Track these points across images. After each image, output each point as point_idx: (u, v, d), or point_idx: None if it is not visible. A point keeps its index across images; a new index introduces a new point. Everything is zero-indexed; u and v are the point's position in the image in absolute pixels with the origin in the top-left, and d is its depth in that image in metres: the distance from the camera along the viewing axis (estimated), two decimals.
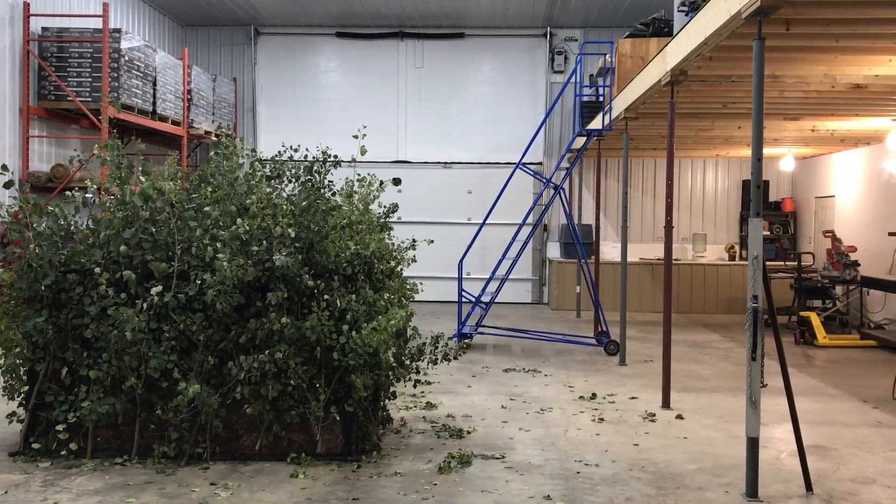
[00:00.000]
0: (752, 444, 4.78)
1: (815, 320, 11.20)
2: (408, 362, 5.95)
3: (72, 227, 5.76)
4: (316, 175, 6.04)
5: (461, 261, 10.81)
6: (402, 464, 5.45)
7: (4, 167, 6.27)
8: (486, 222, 11.29)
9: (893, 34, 5.96)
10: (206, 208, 5.73)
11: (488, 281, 10.78)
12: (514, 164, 11.13)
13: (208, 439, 5.42)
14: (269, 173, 6.27)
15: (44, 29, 10.75)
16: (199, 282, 5.33)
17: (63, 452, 5.36)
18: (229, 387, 5.37)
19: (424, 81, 16.02)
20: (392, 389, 6.14)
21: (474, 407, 7.16)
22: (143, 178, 5.78)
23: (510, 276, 11.45)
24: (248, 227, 5.49)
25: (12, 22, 10.27)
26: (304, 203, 5.73)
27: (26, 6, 10.46)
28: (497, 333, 10.89)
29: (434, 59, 16.01)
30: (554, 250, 15.75)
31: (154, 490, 4.83)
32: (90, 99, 10.59)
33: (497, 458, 5.61)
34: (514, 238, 10.78)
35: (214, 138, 12.67)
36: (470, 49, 16.00)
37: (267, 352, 5.30)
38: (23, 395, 5.58)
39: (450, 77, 16.04)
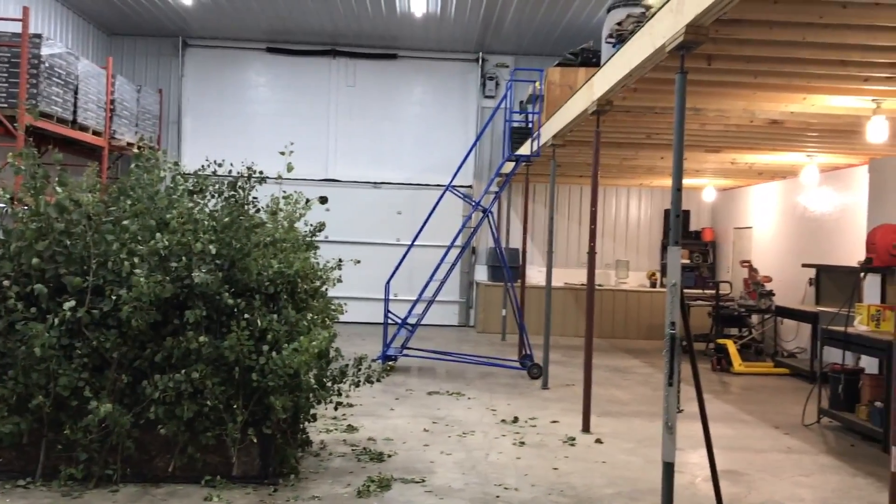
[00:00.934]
0: (668, 469, 4.86)
1: (732, 348, 11.53)
2: (329, 384, 5.88)
3: None
4: (240, 191, 5.94)
5: (388, 281, 10.77)
6: (320, 487, 5.35)
7: None
8: (415, 243, 11.29)
9: (807, 74, 6.23)
10: (125, 222, 5.57)
11: (415, 303, 10.76)
12: (445, 186, 11.17)
13: (119, 461, 5.22)
14: (191, 188, 6.12)
15: None
16: (114, 297, 5.17)
17: None
18: (143, 406, 5.20)
19: (356, 100, 16.00)
20: (312, 412, 6.03)
21: (396, 430, 7.10)
22: (59, 189, 5.58)
23: (437, 298, 11.46)
24: (167, 243, 5.35)
25: None
26: (226, 219, 5.62)
27: None
28: (422, 356, 10.86)
29: (366, 78, 16.00)
30: (481, 273, 15.84)
31: None
32: (6, 105, 10.19)
33: (417, 482, 5.56)
34: (442, 260, 10.81)
35: (137, 150, 12.37)
36: (403, 70, 16.06)
37: (183, 371, 5.15)
38: None
39: (382, 97, 16.05)
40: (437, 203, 10.99)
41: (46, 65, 10.49)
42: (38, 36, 10.40)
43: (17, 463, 5.23)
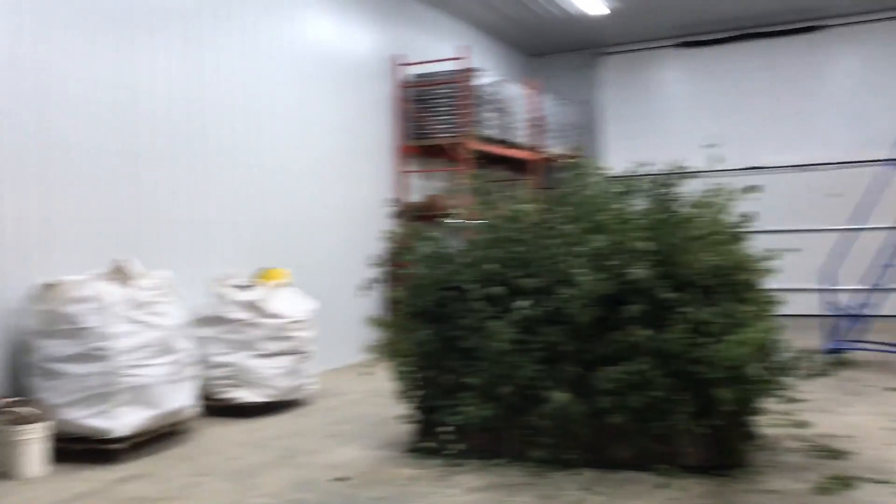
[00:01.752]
0: None
1: None
2: (774, 377, 5.70)
3: (447, 250, 6.44)
4: (667, 188, 6.07)
5: (830, 270, 10.01)
6: (774, 481, 5.22)
7: (392, 199, 7.18)
8: (858, 227, 10.33)
9: None
10: (564, 226, 6.04)
11: (866, 292, 9.84)
12: (887, 160, 10.06)
13: (578, 446, 5.67)
14: (620, 189, 6.43)
15: (413, 75, 12.09)
16: (561, 296, 5.63)
17: (449, 452, 5.95)
18: (595, 397, 5.58)
19: (773, 83, 15.12)
20: (759, 405, 5.90)
21: (852, 427, 6.60)
22: (505, 202, 6.28)
23: (890, 286, 10.33)
24: (604, 243, 5.69)
25: (388, 73, 11.70)
26: (657, 216, 5.80)
27: (398, 58, 11.85)
28: (878, 349, 9.87)
29: (784, 57, 15.05)
30: None
31: (531, 491, 5.19)
32: (452, 134, 11.66)
33: (885, 483, 5.13)
34: None
35: (566, 160, 13.21)
36: (826, 41, 14.79)
37: (628, 363, 5.42)
38: (414, 399, 6.31)
39: (802, 74, 14.96)
40: (883, 181, 9.92)
41: (482, 94, 11.78)
42: (474, 69, 11.72)
43: (493, 445, 5.96)
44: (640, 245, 5.59)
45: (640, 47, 16.11)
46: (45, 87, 6.75)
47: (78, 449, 6.08)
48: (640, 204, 6.29)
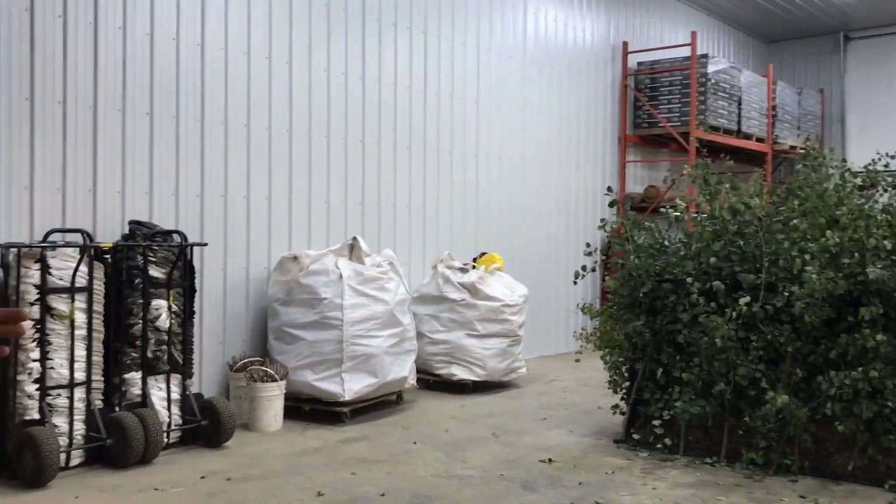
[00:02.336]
0: None
1: None
2: None
3: (665, 241, 6.31)
4: None
5: None
6: None
7: (609, 189, 7.16)
8: None
9: None
10: (794, 221, 5.72)
11: None
12: None
13: (796, 452, 5.37)
14: (860, 183, 5.98)
15: (638, 63, 11.87)
16: (786, 294, 5.34)
17: (658, 446, 5.86)
18: (818, 402, 5.26)
19: None
20: None
21: None
22: (731, 194, 6.04)
23: None
24: (838, 240, 5.33)
25: (613, 61, 11.58)
26: None
27: (625, 45, 11.67)
28: None
29: None
30: None
31: (742, 493, 4.99)
32: (679, 123, 11.33)
33: None
34: None
35: (801, 151, 12.41)
36: None
37: (860, 369, 5.05)
38: (624, 390, 6.27)
39: None
40: None
41: (712, 81, 11.33)
42: (705, 56, 11.29)
43: (704, 443, 5.80)
44: (878, 243, 5.17)
45: (891, 31, 14.68)
46: (291, 78, 7.39)
47: (307, 409, 6.65)
48: (882, 200, 5.83)
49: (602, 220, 6.63)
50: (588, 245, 6.70)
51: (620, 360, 6.27)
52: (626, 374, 6.26)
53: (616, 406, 6.34)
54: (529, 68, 10.14)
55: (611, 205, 6.71)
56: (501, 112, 9.72)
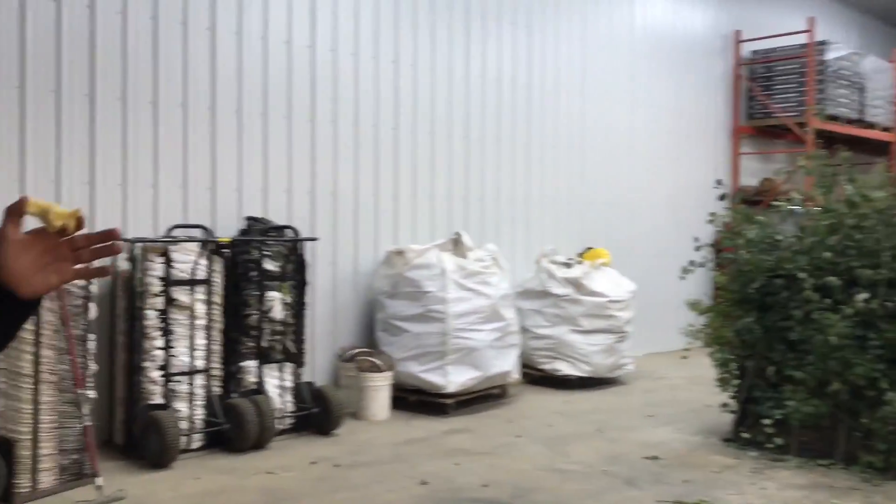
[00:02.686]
0: None
1: None
2: None
3: (778, 236, 6.10)
4: None
5: None
6: None
7: (719, 182, 6.98)
8: None
9: None
10: None
11: None
12: None
13: None
14: None
15: (752, 52, 11.47)
16: None
17: (769, 446, 5.68)
18: None
19: None
20: None
21: None
22: (849, 186, 5.79)
23: None
24: None
25: (724, 50, 11.24)
26: None
27: (737, 34, 11.31)
28: None
29: None
30: None
31: (859, 497, 4.80)
32: (795, 113, 10.89)
33: None
34: None
35: None
36: None
37: None
38: (734, 389, 6.11)
39: None
40: None
41: (832, 69, 10.84)
42: (823, 42, 10.81)
43: (817, 444, 5.59)
44: None
45: None
46: (396, 77, 7.55)
47: (412, 399, 6.80)
48: None
49: (712, 213, 6.48)
50: (697, 239, 6.56)
51: (730, 357, 6.11)
52: (735, 372, 6.10)
53: (725, 404, 6.19)
54: (637, 60, 9.97)
55: (720, 198, 6.55)
56: (608, 105, 9.61)
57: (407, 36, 7.61)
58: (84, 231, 1.25)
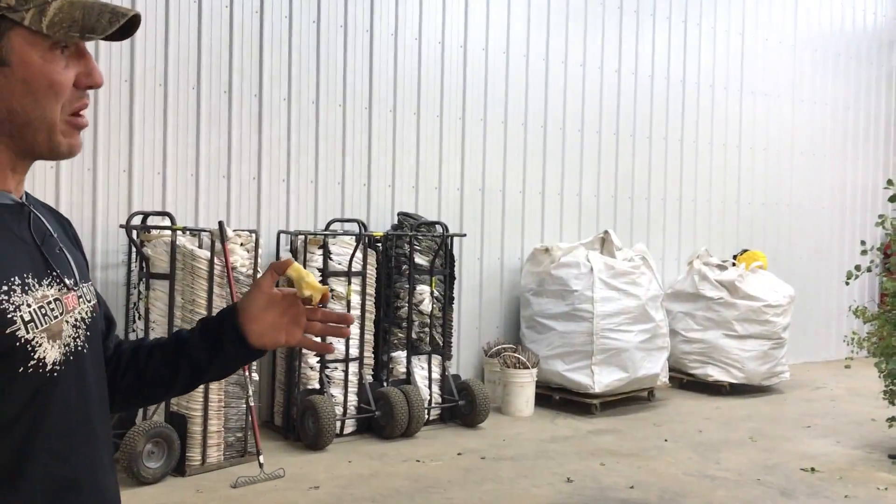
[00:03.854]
0: None
1: None
2: None
3: None
4: None
5: None
6: None
7: (891, 182, 6.56)
8: None
9: None
10: None
11: None
12: None
13: None
14: None
15: None
16: None
17: None
18: None
19: None
20: None
21: None
22: None
23: None
24: None
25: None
26: None
27: None
28: None
29: None
30: None
31: None
32: None
33: None
34: None
35: None
36: None
37: None
38: None
39: None
40: None
41: None
42: None
43: None
44: None
45: None
46: (546, 74, 7.55)
47: (557, 398, 6.79)
48: None
49: (881, 216, 6.11)
50: (863, 243, 6.20)
51: None
52: None
53: (892, 419, 5.81)
54: (801, 54, 9.50)
55: (891, 199, 6.15)
56: (768, 101, 9.21)
57: (558, 34, 7.60)
58: (325, 307, 1.37)
